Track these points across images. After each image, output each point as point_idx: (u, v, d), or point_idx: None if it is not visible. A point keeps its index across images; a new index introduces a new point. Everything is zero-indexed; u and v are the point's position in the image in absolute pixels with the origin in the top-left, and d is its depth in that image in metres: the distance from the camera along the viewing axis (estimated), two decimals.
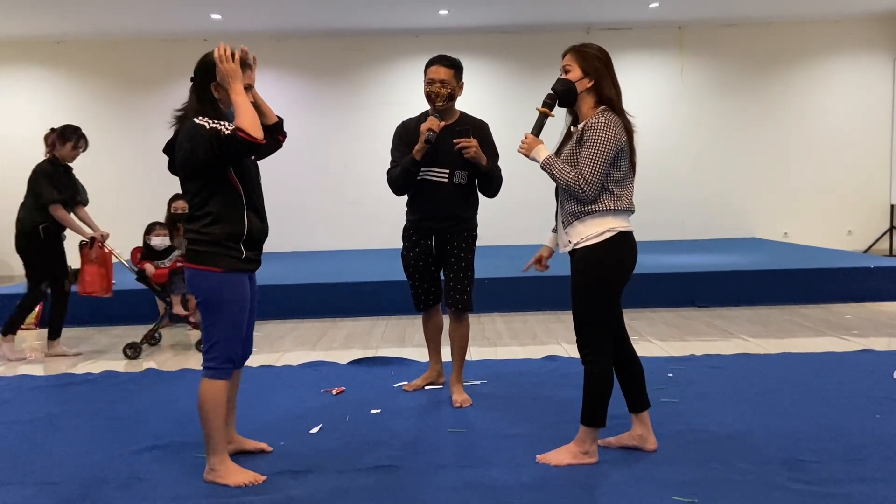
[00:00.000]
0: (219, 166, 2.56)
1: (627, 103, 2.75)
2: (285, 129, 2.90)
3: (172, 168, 2.72)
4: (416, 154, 3.37)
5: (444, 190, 3.47)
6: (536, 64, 9.36)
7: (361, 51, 9.49)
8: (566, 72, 2.73)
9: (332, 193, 9.61)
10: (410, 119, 3.60)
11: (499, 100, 9.41)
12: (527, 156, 2.75)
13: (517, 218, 9.27)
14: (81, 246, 4.94)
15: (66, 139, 4.83)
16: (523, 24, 9.14)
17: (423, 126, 3.34)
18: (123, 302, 6.19)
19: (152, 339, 5.20)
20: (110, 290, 5.01)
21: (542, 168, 2.71)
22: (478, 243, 3.64)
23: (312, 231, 9.63)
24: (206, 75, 2.61)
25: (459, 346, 3.64)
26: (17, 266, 9.67)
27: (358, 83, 9.57)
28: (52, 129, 4.90)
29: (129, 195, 9.44)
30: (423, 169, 3.44)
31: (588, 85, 2.70)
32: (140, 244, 5.28)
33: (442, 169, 3.45)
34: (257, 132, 2.51)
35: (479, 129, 3.49)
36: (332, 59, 9.52)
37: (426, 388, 3.88)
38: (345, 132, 9.57)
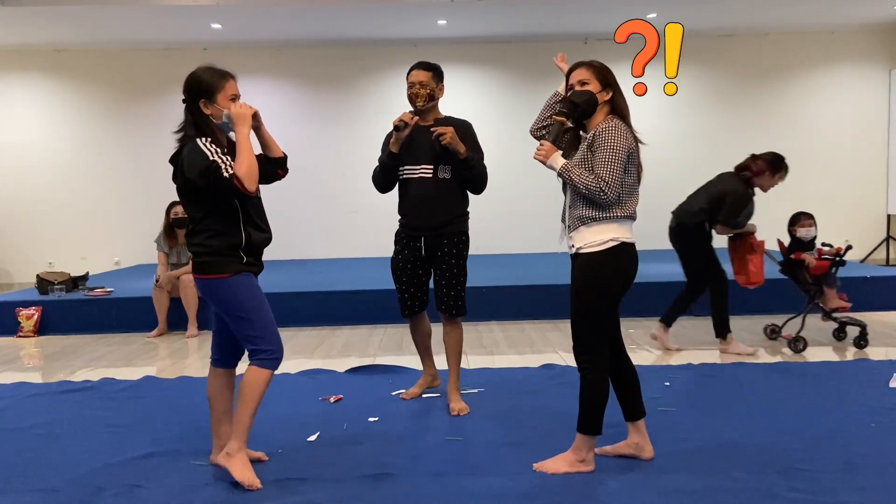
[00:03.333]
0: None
1: None
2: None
3: (176, 178, 2.75)
4: (392, 146, 3.48)
5: (431, 185, 3.51)
6: (534, 74, 9.38)
7: (360, 60, 9.53)
8: (583, 85, 2.77)
9: (330, 202, 9.61)
10: None
11: (496, 109, 9.43)
12: (544, 163, 2.78)
13: (515, 227, 9.30)
14: (731, 240, 4.90)
15: (779, 170, 4.68)
16: (521, 34, 9.18)
17: (395, 119, 3.45)
18: (121, 310, 6.22)
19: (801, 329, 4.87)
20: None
21: (560, 175, 2.74)
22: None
23: (310, 239, 9.64)
24: (193, 94, 2.65)
25: (455, 353, 3.64)
26: (16, 273, 9.73)
27: (356, 92, 9.59)
28: (755, 156, 4.68)
29: (128, 202, 9.45)
30: (409, 168, 3.52)
31: (607, 97, 2.77)
32: None
33: (426, 165, 3.50)
34: (251, 184, 2.58)
35: (459, 127, 3.50)
36: (331, 68, 9.55)
37: (423, 395, 3.89)
38: (343, 141, 9.59)
